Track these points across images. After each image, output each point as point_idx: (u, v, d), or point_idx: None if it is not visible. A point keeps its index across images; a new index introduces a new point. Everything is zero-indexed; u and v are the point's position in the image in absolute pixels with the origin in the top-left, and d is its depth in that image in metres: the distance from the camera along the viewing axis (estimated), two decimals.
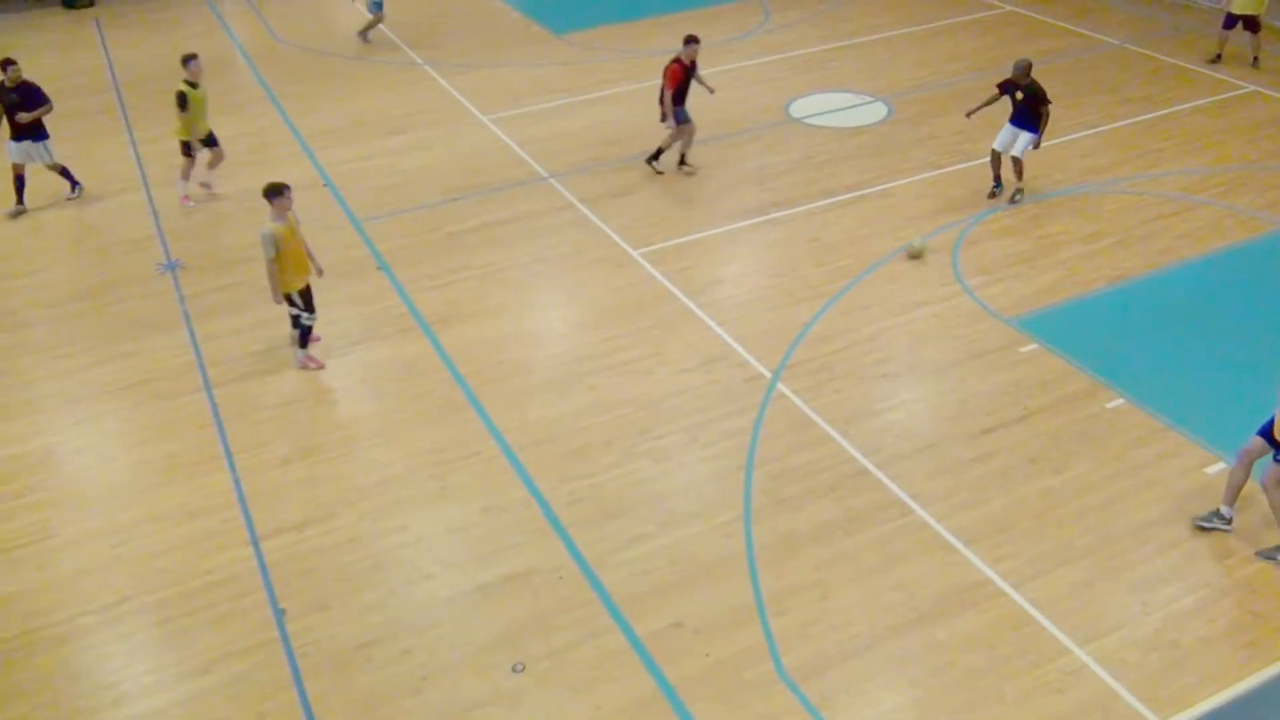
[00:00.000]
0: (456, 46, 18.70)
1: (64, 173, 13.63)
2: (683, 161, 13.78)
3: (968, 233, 12.10)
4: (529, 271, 11.86)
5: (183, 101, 12.85)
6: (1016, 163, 12.59)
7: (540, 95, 16.44)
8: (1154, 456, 8.79)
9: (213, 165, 13.70)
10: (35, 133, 13.12)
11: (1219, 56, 16.51)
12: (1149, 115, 14.78)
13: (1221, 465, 8.62)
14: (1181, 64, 16.42)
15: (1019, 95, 12.32)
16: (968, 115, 12.95)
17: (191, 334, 10.94)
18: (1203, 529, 8.03)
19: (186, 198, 13.53)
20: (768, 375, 9.94)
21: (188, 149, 13.25)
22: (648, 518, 8.39)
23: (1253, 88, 15.48)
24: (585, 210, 12.98)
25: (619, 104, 16.02)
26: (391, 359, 10.44)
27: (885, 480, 8.66)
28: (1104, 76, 16.11)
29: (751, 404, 9.58)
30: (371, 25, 19.04)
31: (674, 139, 13.49)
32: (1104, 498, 8.41)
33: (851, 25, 18.58)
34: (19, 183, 13.35)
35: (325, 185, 13.90)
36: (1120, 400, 9.41)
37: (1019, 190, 12.74)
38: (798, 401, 9.59)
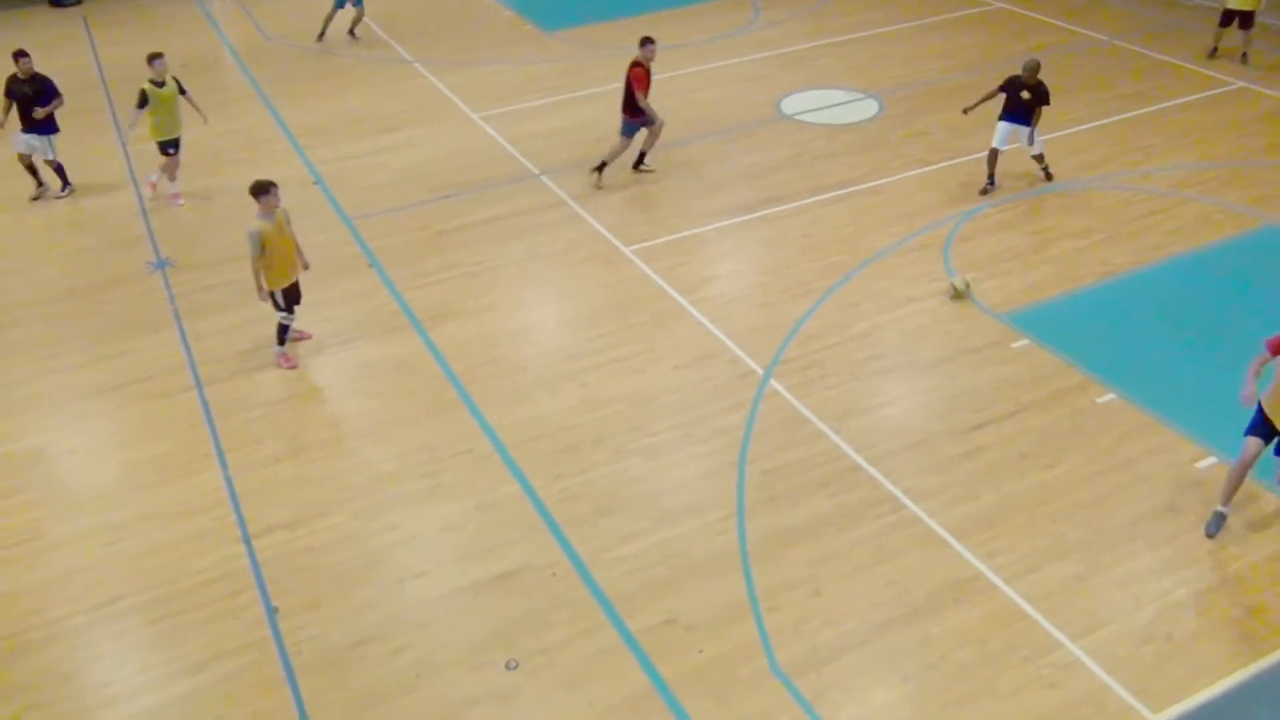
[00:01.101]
0: (447, 44, 18.67)
1: (59, 169, 13.60)
2: (640, 161, 13.72)
3: (959, 229, 12.12)
4: (520, 269, 11.84)
5: (143, 100, 12.79)
6: (1039, 158, 12.82)
7: (531, 93, 16.41)
8: (1145, 451, 8.81)
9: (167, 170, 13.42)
10: (45, 126, 13.11)
11: (1215, 50, 16.57)
12: (1139, 111, 14.82)
13: (1212, 460, 8.65)
14: (1171, 60, 16.46)
15: (1025, 95, 12.33)
16: (965, 111, 12.97)
17: (182, 332, 10.91)
18: (1212, 536, 7.99)
19: (176, 196, 13.48)
20: (760, 372, 9.95)
21: (164, 148, 13.19)
22: (640, 514, 8.39)
23: (1241, 84, 15.53)
24: (577, 207, 12.97)
25: (610, 101, 15.94)
26: (383, 357, 10.42)
27: (877, 476, 8.67)
28: (1094, 73, 16.15)
29: (744, 400, 9.58)
30: (356, 20, 18.97)
31: (653, 138, 13.45)
32: (1095, 493, 8.44)
33: (841, 22, 18.59)
34: (32, 169, 13.50)
35: (316, 183, 13.87)
36: (1111, 395, 9.44)
37: (1048, 175, 13.00)
38: (790, 398, 9.59)
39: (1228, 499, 7.96)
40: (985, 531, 8.10)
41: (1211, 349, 9.98)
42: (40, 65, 13.20)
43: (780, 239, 12.15)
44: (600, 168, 13.41)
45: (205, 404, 9.84)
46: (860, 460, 8.84)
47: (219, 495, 8.75)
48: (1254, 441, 7.67)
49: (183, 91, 13.18)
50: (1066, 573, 7.72)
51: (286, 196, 10.43)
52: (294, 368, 10.29)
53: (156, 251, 12.45)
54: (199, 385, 10.09)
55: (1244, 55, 16.33)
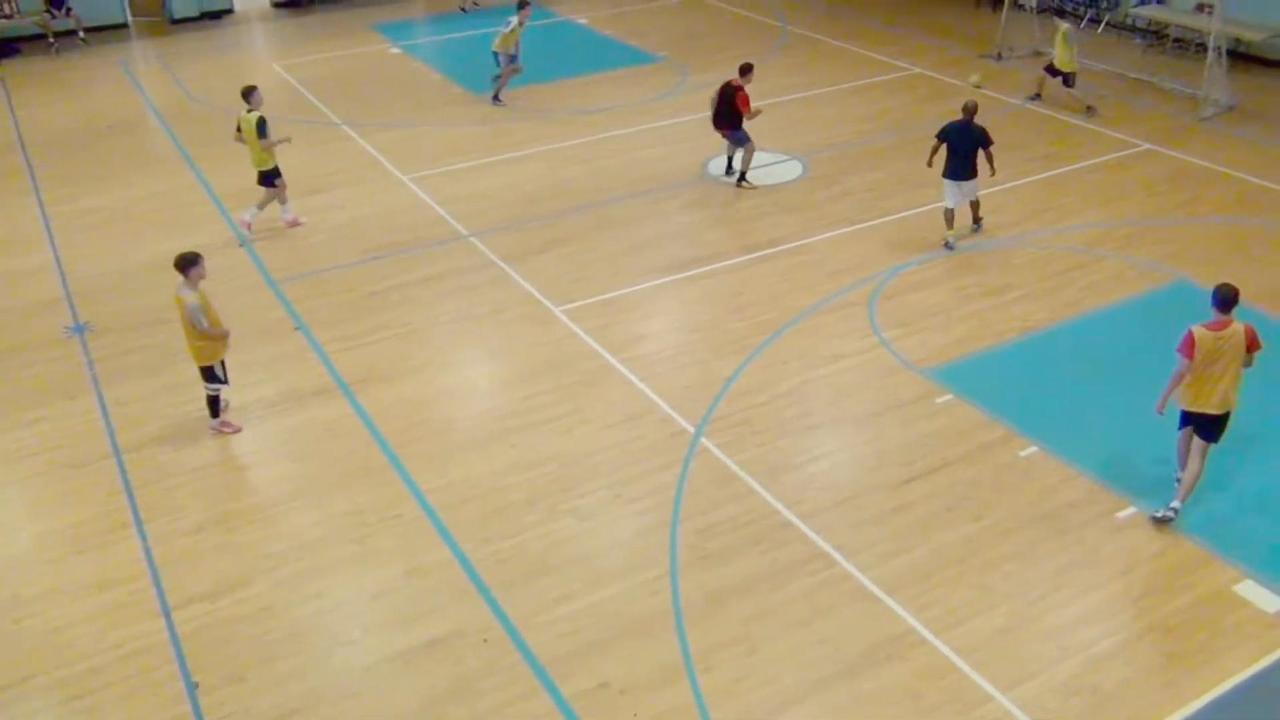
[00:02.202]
0: (376, 107, 18.69)
1: None
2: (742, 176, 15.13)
3: (884, 286, 12.36)
4: (450, 330, 11.79)
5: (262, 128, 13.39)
6: (974, 204, 13.36)
7: (460, 154, 16.48)
8: (1067, 503, 8.99)
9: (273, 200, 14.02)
10: None
11: (1038, 95, 17.95)
12: (1053, 172, 15.34)
13: (1132, 510, 8.85)
14: (1080, 123, 17.10)
15: (963, 139, 12.79)
16: (928, 165, 13.33)
17: (100, 399, 10.63)
18: (1158, 520, 8.64)
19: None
20: (691, 430, 9.98)
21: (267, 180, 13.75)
22: (573, 576, 8.31)
23: (1147, 146, 16.17)
24: (506, 268, 12.99)
25: (538, 163, 16.13)
26: (310, 421, 10.26)
27: (809, 532, 8.71)
28: (1009, 135, 16.67)
29: (675, 459, 9.60)
30: (503, 81, 18.54)
31: (750, 153, 14.89)
32: (1021, 544, 8.57)
33: (766, 85, 19.00)
34: None
35: (241, 245, 13.70)
36: (1033, 448, 9.63)
37: (978, 224, 13.55)
38: (721, 456, 9.63)
39: (1183, 467, 8.80)
40: (916, 585, 8.16)
41: (1129, 401, 10.23)
42: None
43: (709, 297, 12.28)
44: (741, 177, 15.03)
45: (124, 472, 9.58)
46: (792, 516, 8.88)
47: (137, 566, 8.48)
48: (1185, 431, 8.72)
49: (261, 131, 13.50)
50: (995, 625, 7.80)
51: (212, 260, 10.29)
52: (238, 431, 10.08)
53: (75, 316, 12.17)
54: (117, 453, 9.83)
55: (1089, 108, 17.44)
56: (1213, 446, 8.61)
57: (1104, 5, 22.03)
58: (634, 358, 11.12)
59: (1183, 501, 8.67)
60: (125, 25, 24.21)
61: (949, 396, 10.36)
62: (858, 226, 13.84)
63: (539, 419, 10.21)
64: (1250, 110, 17.53)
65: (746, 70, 14.73)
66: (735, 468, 9.47)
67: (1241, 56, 19.01)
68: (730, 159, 15.41)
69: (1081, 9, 22.13)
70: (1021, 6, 20.94)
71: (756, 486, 9.24)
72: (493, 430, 10.08)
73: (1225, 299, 8.21)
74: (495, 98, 18.51)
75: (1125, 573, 8.26)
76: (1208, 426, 8.52)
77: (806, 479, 9.36)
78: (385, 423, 10.18)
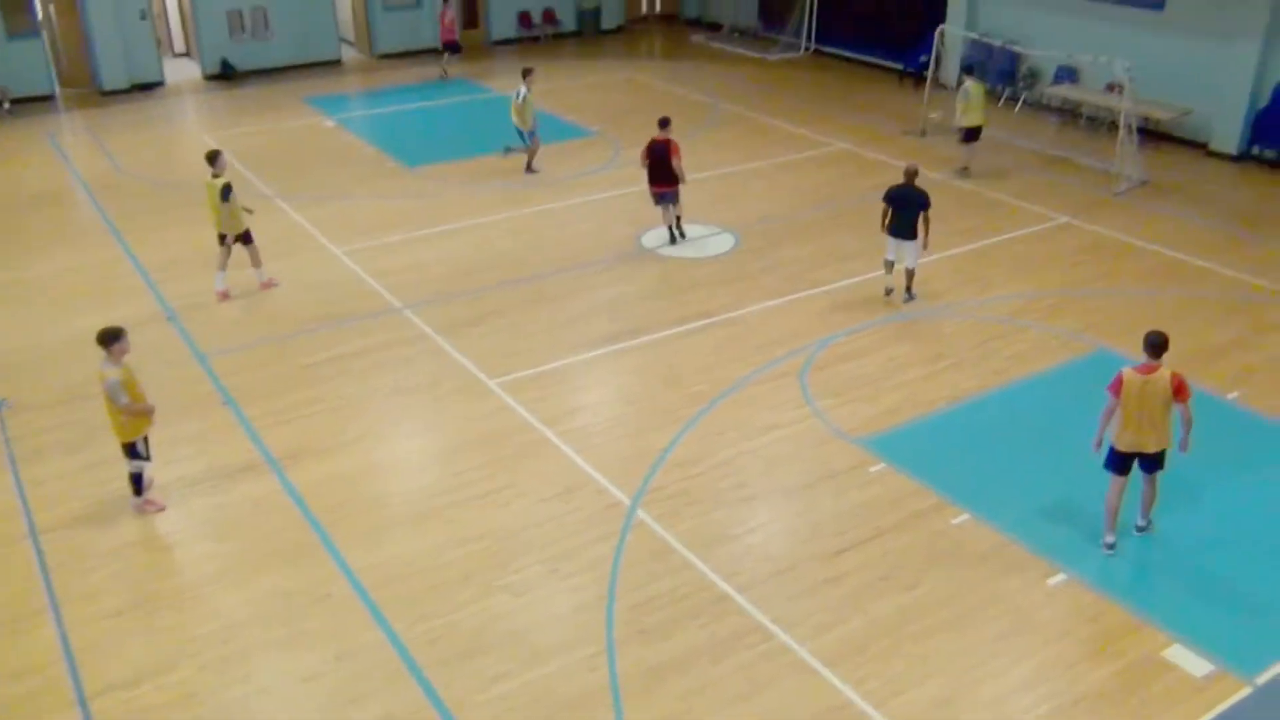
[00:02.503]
0: (309, 179, 18.64)
1: None
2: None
3: (815, 357, 12.53)
4: (383, 403, 11.66)
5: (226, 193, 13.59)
6: (909, 273, 13.72)
7: (393, 227, 16.46)
8: (999, 570, 9.08)
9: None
10: None
11: (966, 169, 18.65)
12: (978, 244, 15.76)
13: (1063, 576, 8.96)
14: (1002, 198, 17.65)
15: (906, 200, 13.32)
16: (883, 228, 13.70)
17: (16, 478, 10.29)
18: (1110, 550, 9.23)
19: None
20: (626, 502, 9.94)
21: (223, 239, 13.96)
22: (508, 654, 8.16)
23: (1066, 219, 16.72)
24: (441, 341, 12.92)
25: (471, 236, 16.17)
26: (237, 498, 10.02)
27: (746, 605, 8.67)
28: (935, 208, 17.15)
29: (611, 531, 9.53)
30: (533, 153, 18.84)
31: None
32: (955, 613, 8.62)
33: (698, 160, 19.36)
34: None
35: (169, 319, 13.47)
36: (965, 516, 9.74)
37: (910, 294, 13.88)
38: (657, 528, 9.59)
39: (1110, 529, 9.23)
40: (854, 657, 8.14)
41: (1056, 467, 10.45)
42: None
43: (644, 369, 12.33)
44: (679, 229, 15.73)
45: (40, 554, 9.24)
46: (729, 589, 8.84)
47: (53, 653, 8.15)
48: (1115, 478, 9.14)
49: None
50: (933, 694, 7.80)
51: (137, 333, 10.10)
52: (163, 509, 9.81)
53: None
54: (33, 534, 9.49)
55: (965, 168, 18.57)
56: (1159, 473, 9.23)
57: (1021, 84, 22.91)
58: (569, 430, 11.08)
59: (1147, 517, 9.46)
60: (53, 97, 23.95)
61: (881, 465, 10.47)
62: (789, 298, 14.05)
63: (473, 493, 10.10)
64: (1162, 185, 18.26)
65: (666, 123, 15.22)
66: (672, 540, 9.43)
67: (1151, 134, 19.86)
68: (671, 227, 15.62)
69: (1000, 87, 22.98)
70: (943, 85, 21.68)
71: (693, 559, 9.20)
72: (426, 506, 9.94)
73: (1155, 344, 8.73)
74: (528, 168, 18.86)
75: (1059, 639, 8.34)
76: (1150, 460, 9.05)
77: (743, 550, 9.35)
78: (315, 499, 9.99)
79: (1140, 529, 9.47)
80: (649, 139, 15.23)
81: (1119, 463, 9.06)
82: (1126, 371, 8.77)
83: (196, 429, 11.09)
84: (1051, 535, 9.47)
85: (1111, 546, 9.20)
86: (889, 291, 13.89)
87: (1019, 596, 8.78)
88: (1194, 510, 9.83)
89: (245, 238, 13.98)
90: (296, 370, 12.28)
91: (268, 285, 14.33)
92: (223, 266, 14.01)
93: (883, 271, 13.89)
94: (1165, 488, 9.32)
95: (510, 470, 10.43)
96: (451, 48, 25.85)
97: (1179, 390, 8.69)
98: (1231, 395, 11.66)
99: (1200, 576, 9.05)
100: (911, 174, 13.50)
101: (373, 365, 12.39)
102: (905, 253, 13.59)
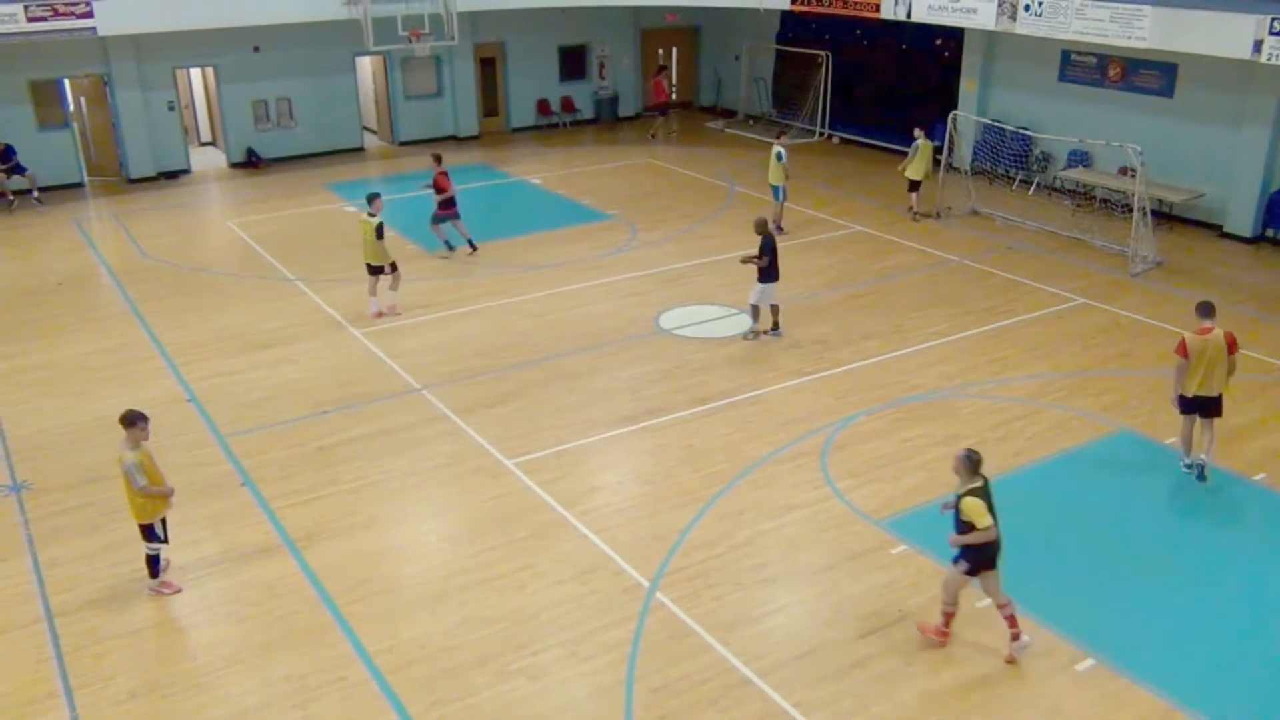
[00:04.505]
0: (329, 263, 18.88)
1: None
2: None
3: (835, 437, 12.47)
4: (401, 484, 11.64)
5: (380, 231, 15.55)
6: (755, 309, 15.22)
7: (412, 309, 16.61)
8: (1027, 655, 8.89)
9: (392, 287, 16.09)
10: None
11: (930, 215, 20.73)
12: (993, 325, 15.78)
13: (1091, 661, 8.77)
14: (1017, 279, 17.71)
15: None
16: (742, 261, 15.16)
17: (34, 560, 10.27)
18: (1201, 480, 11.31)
19: (379, 314, 16.08)
20: (645, 584, 9.82)
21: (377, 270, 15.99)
22: None
23: (1081, 300, 16.75)
24: (458, 421, 12.94)
25: (490, 317, 16.29)
26: (252, 580, 9.96)
27: (767, 690, 8.51)
28: (949, 290, 17.22)
29: (630, 614, 9.41)
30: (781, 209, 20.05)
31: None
32: (983, 699, 8.43)
33: (714, 243, 19.56)
34: None
35: (189, 401, 13.55)
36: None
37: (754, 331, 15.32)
38: (677, 610, 9.46)
39: (1186, 454, 11.44)
40: None
41: (1082, 550, 10.29)
42: None
43: (662, 450, 12.29)
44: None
45: (55, 637, 9.18)
46: (749, 673, 8.68)
47: None
48: (1186, 418, 11.35)
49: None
50: None
51: (158, 415, 10.15)
52: (179, 591, 9.75)
53: (13, 474, 11.85)
54: (49, 617, 9.44)
55: (915, 213, 20.69)
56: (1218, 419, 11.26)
57: (1035, 169, 23.15)
58: (587, 511, 11.01)
59: (1209, 454, 11.30)
60: (81, 184, 24.46)
61: (904, 547, 10.34)
62: (807, 378, 14.05)
63: (490, 575, 10.01)
64: (1176, 266, 18.31)
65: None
66: (691, 623, 9.30)
67: (1166, 216, 19.97)
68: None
69: (1013, 171, 23.22)
70: (956, 169, 21.95)
71: (713, 642, 9.05)
72: (443, 587, 9.85)
73: (1208, 309, 10.99)
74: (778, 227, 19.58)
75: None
76: (1209, 405, 11.11)
77: (764, 633, 9.20)
78: (331, 581, 9.92)
79: (1200, 465, 11.23)
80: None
81: (1188, 405, 11.17)
82: (1187, 335, 10.90)
83: (214, 510, 11.08)
84: (1078, 619, 9.29)
85: (1190, 466, 11.35)
86: (767, 331, 15.37)
87: (1047, 682, 8.59)
88: (1222, 591, 9.64)
89: (393, 266, 16.00)
90: (314, 451, 12.29)
91: (391, 310, 16.25)
92: (374, 293, 16.14)
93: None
94: (1195, 569, 9.18)
95: (527, 551, 10.35)
96: (661, 110, 28.97)
97: (1232, 345, 10.90)
98: (1259, 476, 11.53)
99: (1229, 664, 8.83)
100: (762, 223, 15.24)
101: (391, 446, 12.40)
102: (754, 294, 15.09)
